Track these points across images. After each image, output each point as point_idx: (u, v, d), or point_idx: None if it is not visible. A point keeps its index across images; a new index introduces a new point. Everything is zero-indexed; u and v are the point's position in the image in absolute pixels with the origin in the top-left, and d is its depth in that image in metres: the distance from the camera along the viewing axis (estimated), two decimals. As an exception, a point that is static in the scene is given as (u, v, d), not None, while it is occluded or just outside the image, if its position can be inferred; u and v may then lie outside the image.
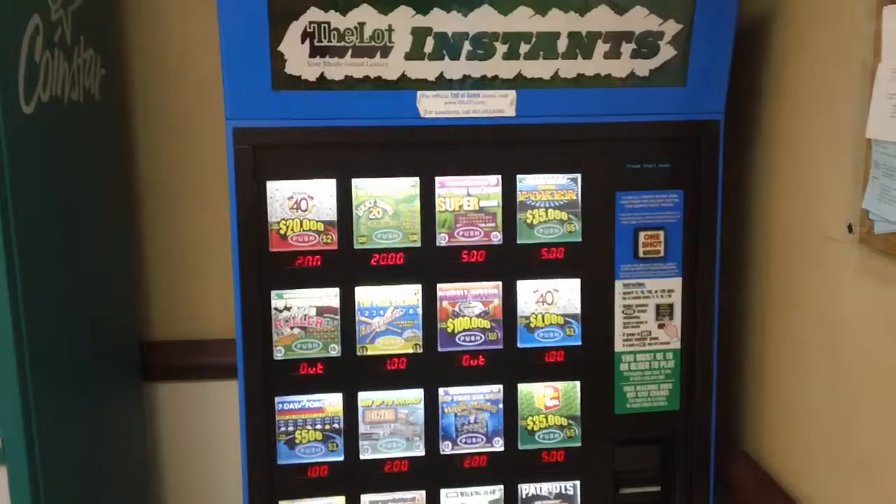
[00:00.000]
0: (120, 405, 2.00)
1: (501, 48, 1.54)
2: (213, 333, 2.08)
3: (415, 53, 1.52)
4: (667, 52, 1.57)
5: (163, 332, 2.12)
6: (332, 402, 1.65)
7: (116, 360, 1.98)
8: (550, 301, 1.68)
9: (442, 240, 1.63)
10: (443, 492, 1.69)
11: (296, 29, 1.48)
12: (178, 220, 2.08)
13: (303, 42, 1.49)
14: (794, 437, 1.62)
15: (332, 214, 1.60)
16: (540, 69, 1.55)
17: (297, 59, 1.50)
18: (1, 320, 1.37)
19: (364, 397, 1.65)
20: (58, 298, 1.57)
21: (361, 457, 1.66)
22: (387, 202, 1.61)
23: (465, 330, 1.66)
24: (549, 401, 1.70)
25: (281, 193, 1.59)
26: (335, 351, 1.63)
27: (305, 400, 1.64)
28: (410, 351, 1.65)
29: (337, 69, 1.51)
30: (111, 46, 1.92)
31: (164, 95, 2.03)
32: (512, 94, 1.57)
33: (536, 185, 1.65)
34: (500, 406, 1.69)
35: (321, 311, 1.62)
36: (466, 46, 1.53)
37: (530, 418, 1.70)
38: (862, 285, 1.38)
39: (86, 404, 1.74)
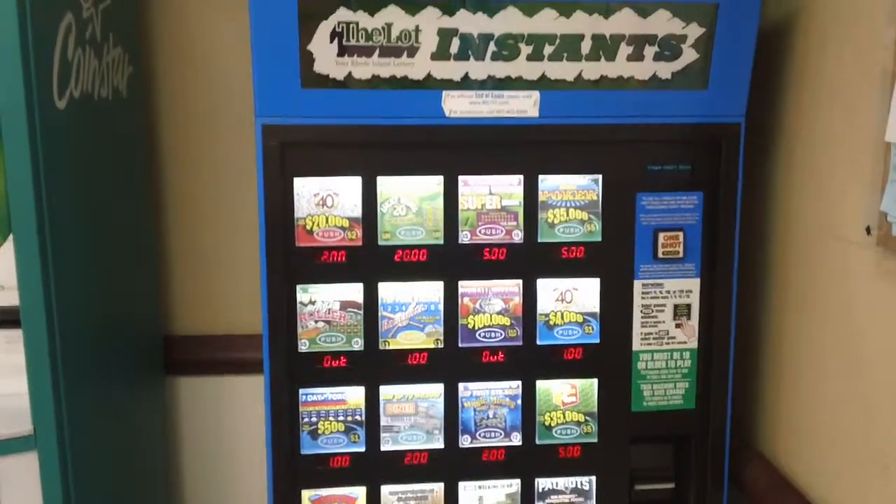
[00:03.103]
0: (143, 398, 2.03)
1: (526, 49, 1.56)
2: (235, 329, 2.11)
3: (441, 54, 1.55)
4: (689, 56, 1.59)
5: (186, 326, 2.15)
6: (354, 395, 1.67)
7: (140, 354, 2.01)
8: (570, 299, 1.70)
9: (464, 237, 1.66)
10: (461, 484, 1.72)
11: (325, 28, 1.51)
12: (202, 216, 2.11)
13: (331, 41, 1.51)
14: (810, 439, 1.63)
15: (357, 211, 1.63)
16: (563, 71, 1.58)
17: (326, 58, 1.52)
18: (35, 315, 1.40)
19: (385, 391, 1.68)
20: (86, 292, 1.60)
21: (382, 448, 1.69)
22: (411, 200, 1.64)
23: (485, 326, 1.68)
24: (566, 397, 1.73)
25: (308, 190, 1.61)
26: (358, 345, 1.66)
27: (328, 392, 1.67)
28: (431, 346, 1.67)
29: (364, 68, 1.54)
30: (138, 44, 1.95)
31: (190, 93, 2.06)
32: (535, 94, 1.59)
33: (558, 185, 1.67)
34: (519, 402, 1.71)
35: (345, 305, 1.65)
36: (491, 47, 1.55)
37: (548, 414, 1.72)
38: (880, 286, 1.40)
39: (111, 396, 1.77)
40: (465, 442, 1.71)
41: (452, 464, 1.71)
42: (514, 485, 1.73)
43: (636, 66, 1.59)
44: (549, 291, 1.70)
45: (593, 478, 1.75)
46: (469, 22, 1.54)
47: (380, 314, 1.66)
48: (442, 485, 1.72)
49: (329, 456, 1.68)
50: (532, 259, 1.68)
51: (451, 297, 1.67)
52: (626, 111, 1.62)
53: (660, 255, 1.69)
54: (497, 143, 1.63)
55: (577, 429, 1.73)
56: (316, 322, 1.64)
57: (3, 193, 1.37)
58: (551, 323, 1.70)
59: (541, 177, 1.66)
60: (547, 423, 1.72)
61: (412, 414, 1.69)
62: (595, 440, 1.74)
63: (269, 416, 1.63)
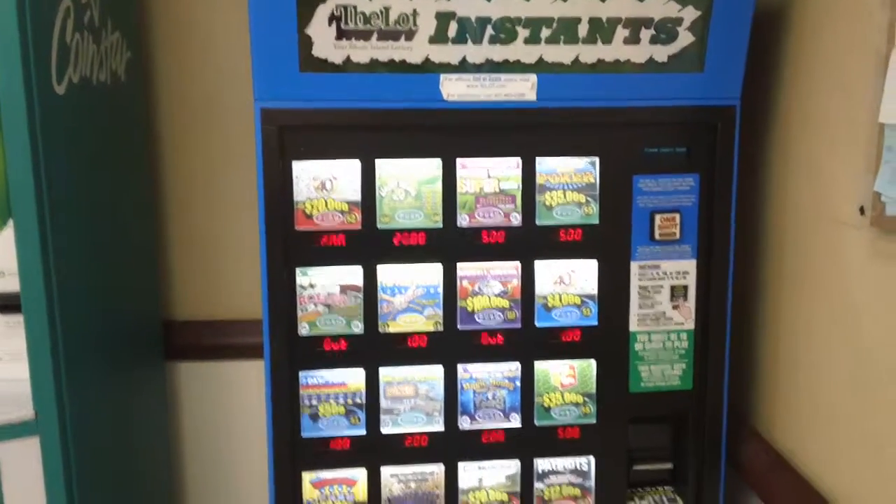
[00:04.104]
0: (144, 382, 2.04)
1: (523, 33, 1.56)
2: (235, 314, 2.12)
3: (438, 37, 1.55)
4: (685, 39, 1.60)
5: (186, 311, 2.16)
6: (354, 378, 1.68)
7: (141, 339, 2.02)
8: (568, 281, 1.71)
9: (463, 221, 1.67)
10: (461, 465, 1.73)
11: (323, 12, 1.51)
12: (201, 200, 2.11)
13: (329, 25, 1.52)
14: (806, 419, 1.65)
15: (356, 195, 1.63)
16: (560, 54, 1.58)
17: (324, 42, 1.52)
18: (35, 300, 1.41)
19: (385, 373, 1.69)
20: (86, 277, 1.60)
21: (382, 431, 1.70)
22: (409, 183, 1.65)
23: (484, 309, 1.69)
24: (565, 379, 1.74)
25: (307, 174, 1.62)
26: (358, 328, 1.67)
27: (329, 375, 1.68)
28: (431, 329, 1.69)
29: (362, 52, 1.54)
30: (137, 29, 1.95)
31: (189, 78, 2.06)
32: (533, 78, 1.60)
33: (555, 168, 1.68)
34: (518, 383, 1.72)
35: (345, 288, 1.65)
36: (489, 31, 1.56)
37: (547, 395, 1.74)
38: (874, 266, 1.41)
39: (112, 381, 1.78)
40: (464, 424, 1.72)
41: (452, 445, 1.72)
42: (514, 466, 1.75)
43: (633, 50, 1.60)
44: (548, 274, 1.71)
45: (592, 458, 1.77)
46: (466, 5, 1.54)
47: (379, 297, 1.67)
48: (442, 466, 1.73)
49: (330, 439, 1.69)
50: (530, 242, 1.69)
51: (449, 280, 1.68)
52: (623, 94, 1.63)
53: (656, 236, 1.70)
54: (495, 126, 1.64)
55: (575, 410, 1.75)
56: (316, 305, 1.65)
57: (2, 178, 1.38)
58: (549, 305, 1.71)
59: (538, 160, 1.67)
60: (546, 405, 1.74)
61: (412, 396, 1.70)
62: (593, 421, 1.75)
63: (270, 399, 1.64)
